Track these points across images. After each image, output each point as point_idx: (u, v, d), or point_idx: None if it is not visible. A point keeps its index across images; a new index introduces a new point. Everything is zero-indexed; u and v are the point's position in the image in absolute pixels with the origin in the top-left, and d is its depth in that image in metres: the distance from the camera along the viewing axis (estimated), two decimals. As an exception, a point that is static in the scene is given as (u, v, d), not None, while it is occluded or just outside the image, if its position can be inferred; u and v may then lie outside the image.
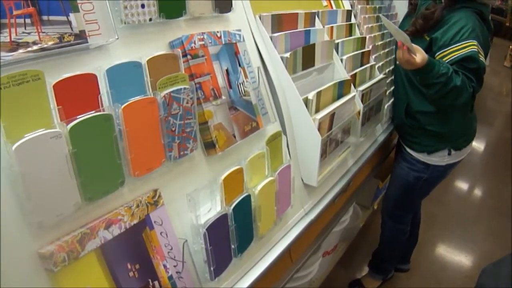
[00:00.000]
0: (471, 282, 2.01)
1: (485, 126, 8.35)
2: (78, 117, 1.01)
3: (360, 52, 2.56)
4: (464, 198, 5.86)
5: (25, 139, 0.89)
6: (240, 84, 1.57)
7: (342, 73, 2.27)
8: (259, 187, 1.53)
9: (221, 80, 1.48)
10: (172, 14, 1.37)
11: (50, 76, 0.97)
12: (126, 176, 1.15)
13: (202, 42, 1.43)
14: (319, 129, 1.82)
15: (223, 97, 1.47)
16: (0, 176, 0.90)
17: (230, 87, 1.53)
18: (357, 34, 2.76)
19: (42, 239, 0.97)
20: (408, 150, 3.04)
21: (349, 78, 2.25)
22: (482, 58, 2.43)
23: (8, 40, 0.94)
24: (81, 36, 1.09)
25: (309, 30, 2.06)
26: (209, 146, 1.43)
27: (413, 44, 2.27)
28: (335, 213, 2.44)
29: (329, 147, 2.02)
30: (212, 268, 1.35)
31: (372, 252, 3.82)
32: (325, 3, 2.53)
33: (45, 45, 1.00)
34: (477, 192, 6.10)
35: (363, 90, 2.36)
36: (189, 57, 1.36)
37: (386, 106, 3.01)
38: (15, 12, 0.95)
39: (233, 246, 1.45)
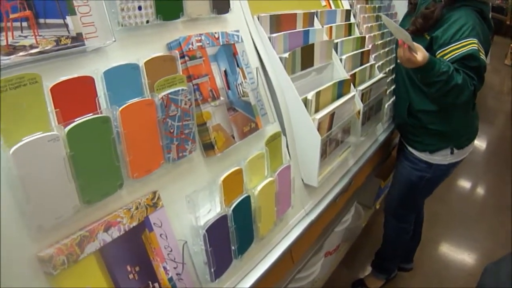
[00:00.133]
0: (474, 281, 2.00)
1: (486, 124, 8.32)
2: (75, 120, 1.00)
3: (359, 51, 2.56)
4: (466, 196, 5.85)
5: (23, 142, 0.89)
6: (238, 85, 1.57)
7: (341, 73, 2.27)
8: (258, 188, 1.52)
9: (219, 81, 1.48)
10: (170, 15, 1.37)
11: (48, 79, 0.97)
12: (125, 178, 1.15)
13: (200, 44, 1.43)
14: (318, 129, 1.82)
15: (222, 98, 1.47)
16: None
17: (229, 88, 1.52)
18: (356, 33, 2.76)
19: (41, 242, 0.97)
20: (410, 149, 3.03)
21: (348, 77, 2.24)
22: (482, 56, 2.43)
23: (5, 43, 0.94)
24: (78, 39, 1.09)
25: (308, 30, 2.06)
26: (208, 147, 1.43)
27: (414, 43, 2.26)
28: (337, 213, 2.44)
29: (329, 147, 2.02)
30: (212, 270, 1.35)
31: (375, 251, 3.81)
32: (324, 3, 2.52)
33: (42, 48, 1.00)
34: (480, 190, 6.09)
35: (363, 90, 2.35)
36: (186, 58, 1.36)
37: (386, 105, 3.00)
38: (11, 16, 0.95)
39: (233, 247, 1.45)
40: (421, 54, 2.26)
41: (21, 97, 0.91)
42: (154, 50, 1.30)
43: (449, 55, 2.46)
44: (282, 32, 1.89)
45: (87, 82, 1.06)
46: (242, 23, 1.76)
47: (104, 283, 1.08)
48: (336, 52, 2.32)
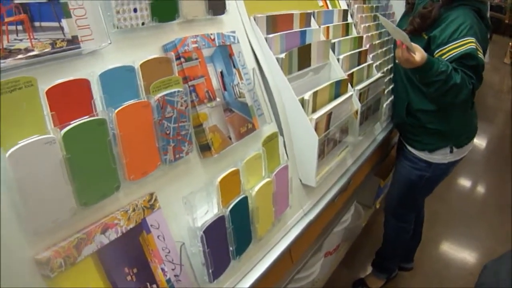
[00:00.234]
0: (475, 280, 2.01)
1: (486, 123, 8.35)
2: (71, 122, 1.01)
3: (357, 51, 2.56)
4: (466, 195, 5.86)
5: (19, 145, 0.89)
6: (235, 86, 1.57)
7: (339, 73, 2.27)
8: (256, 189, 1.53)
9: (215, 82, 1.48)
10: (165, 17, 1.37)
11: (43, 82, 0.98)
12: (122, 180, 1.15)
13: (196, 45, 1.43)
14: (316, 129, 1.82)
15: (218, 99, 1.47)
16: (-3, 183, 0.90)
17: (225, 89, 1.53)
18: (354, 33, 2.76)
19: (38, 245, 0.97)
20: (410, 148, 3.04)
21: (346, 77, 2.25)
22: (480, 55, 2.43)
23: (0, 47, 0.94)
24: (73, 42, 1.09)
25: (305, 30, 2.07)
26: (205, 149, 1.43)
27: (412, 43, 2.27)
28: (336, 213, 2.44)
29: (327, 146, 2.02)
30: (210, 271, 1.35)
31: (375, 251, 3.81)
32: (321, 3, 2.53)
33: (38, 52, 1.00)
34: (480, 189, 6.10)
35: (360, 89, 2.35)
36: (182, 60, 1.36)
37: (385, 105, 3.01)
38: (6, 19, 0.95)
39: (231, 248, 1.45)
40: (419, 54, 2.27)
41: (17, 101, 0.91)
42: (150, 52, 1.30)
43: (447, 54, 2.46)
44: (279, 33, 1.89)
45: (83, 85, 1.07)
46: (239, 24, 1.76)
47: (102, 285, 1.08)
48: (334, 52, 2.32)
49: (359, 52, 2.59)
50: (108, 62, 1.18)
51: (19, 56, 0.97)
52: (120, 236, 1.13)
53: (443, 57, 2.46)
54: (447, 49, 2.47)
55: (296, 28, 2.07)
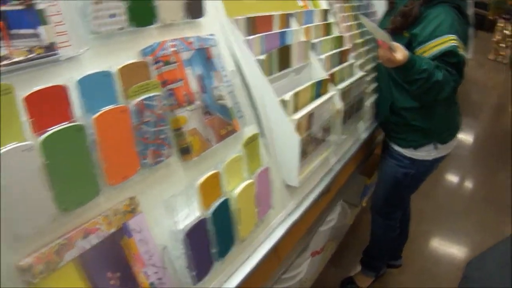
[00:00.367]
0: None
1: (471, 119, 8.41)
2: (50, 129, 1.01)
3: (338, 50, 2.58)
4: (454, 191, 5.91)
5: (-3, 153, 0.89)
6: (214, 88, 1.58)
7: (320, 73, 2.28)
8: (237, 190, 1.53)
9: (194, 86, 1.48)
10: (143, 22, 1.37)
11: (21, 89, 0.98)
12: (102, 185, 1.15)
13: (174, 49, 1.43)
14: (297, 130, 1.83)
15: (197, 102, 1.48)
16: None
17: (204, 92, 1.53)
18: (335, 33, 2.77)
19: (19, 251, 0.97)
20: (394, 146, 3.05)
21: (327, 77, 2.26)
22: (462, 52, 2.45)
23: (-23, 55, 0.94)
24: (51, 48, 1.09)
25: (285, 31, 2.08)
26: (185, 152, 1.43)
27: (393, 42, 2.28)
28: (320, 212, 2.45)
29: (309, 146, 2.03)
30: (193, 273, 1.36)
31: (363, 249, 3.84)
32: (301, 4, 2.53)
33: (16, 59, 1.01)
34: (468, 184, 6.15)
35: (342, 89, 2.36)
36: (161, 64, 1.37)
37: (368, 103, 3.02)
38: (-18, 28, 0.96)
39: (214, 250, 1.45)
40: (400, 53, 2.29)
41: (-6, 108, 0.92)
42: (129, 57, 1.30)
43: (428, 52, 2.48)
44: (259, 34, 1.90)
45: (61, 91, 1.07)
46: (218, 27, 1.77)
47: (85, 290, 1.08)
48: (315, 52, 2.34)
49: (341, 52, 2.61)
50: (86, 68, 1.18)
51: (-4, 64, 0.97)
52: (101, 241, 1.13)
53: (425, 54, 2.48)
54: (428, 47, 2.49)
55: (276, 29, 2.08)
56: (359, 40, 3.11)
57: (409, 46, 2.56)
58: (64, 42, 1.13)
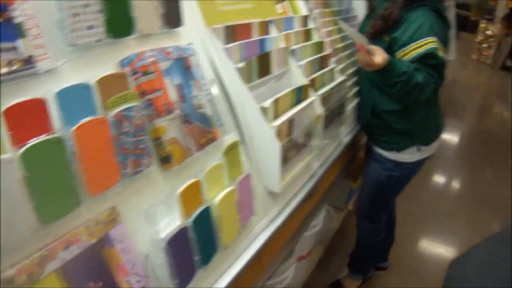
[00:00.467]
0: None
1: (455, 119, 8.47)
2: (29, 141, 1.02)
3: (318, 56, 2.59)
4: (440, 191, 5.95)
5: (-26, 167, 0.90)
6: (193, 97, 1.59)
7: (300, 79, 2.29)
8: (218, 198, 1.55)
9: (173, 95, 1.49)
10: (121, 33, 1.38)
11: (1, 102, 0.99)
12: (83, 196, 1.15)
13: (152, 59, 1.44)
14: (278, 136, 1.85)
15: (176, 112, 1.49)
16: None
17: (183, 101, 1.54)
18: (316, 38, 2.79)
19: (1, 263, 0.97)
20: (377, 149, 3.08)
21: (307, 83, 2.27)
22: (441, 54, 2.48)
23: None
24: (29, 61, 1.10)
25: (264, 38, 2.09)
26: (165, 161, 1.44)
27: (372, 46, 2.31)
28: (304, 217, 2.46)
29: (291, 152, 2.04)
30: (176, 281, 1.37)
31: (350, 253, 3.85)
32: (280, 10, 2.55)
33: (-6, 73, 1.02)
34: (454, 184, 6.20)
35: (322, 94, 2.38)
36: (139, 74, 1.37)
37: (350, 108, 3.04)
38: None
39: (196, 258, 1.46)
40: (379, 57, 2.31)
41: (-28, 123, 0.92)
42: (107, 68, 1.31)
43: (408, 54, 2.51)
44: (238, 42, 1.91)
45: (40, 104, 1.07)
46: (197, 36, 1.78)
47: (67, 300, 1.09)
48: (295, 58, 2.35)
49: (321, 57, 2.62)
50: (64, 80, 1.19)
51: (-27, 79, 0.98)
52: (83, 251, 1.14)
53: (405, 57, 2.52)
54: (408, 50, 2.52)
55: (256, 36, 2.09)
56: (340, 45, 3.12)
57: (390, 49, 2.59)
58: (42, 55, 1.14)
